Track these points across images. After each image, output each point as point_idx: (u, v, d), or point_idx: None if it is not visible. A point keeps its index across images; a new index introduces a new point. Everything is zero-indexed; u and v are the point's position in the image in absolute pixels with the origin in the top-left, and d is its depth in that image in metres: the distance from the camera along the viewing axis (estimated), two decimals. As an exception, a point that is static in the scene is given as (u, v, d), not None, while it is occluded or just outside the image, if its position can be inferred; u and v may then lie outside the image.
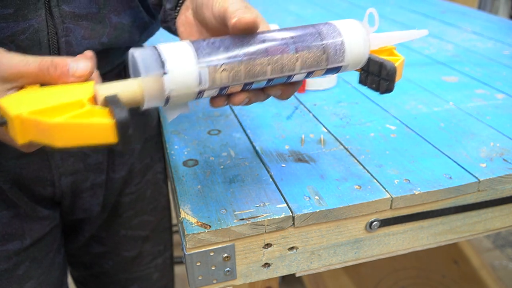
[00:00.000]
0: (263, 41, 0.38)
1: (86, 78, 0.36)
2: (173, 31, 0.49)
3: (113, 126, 0.31)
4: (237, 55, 0.37)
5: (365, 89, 0.59)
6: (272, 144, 0.57)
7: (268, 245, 0.45)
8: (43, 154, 0.55)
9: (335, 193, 0.47)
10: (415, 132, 0.60)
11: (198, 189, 0.48)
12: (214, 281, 0.45)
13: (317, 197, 0.46)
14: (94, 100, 0.34)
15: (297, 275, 0.49)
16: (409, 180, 0.49)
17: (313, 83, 0.74)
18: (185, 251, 0.43)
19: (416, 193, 0.47)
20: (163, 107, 0.37)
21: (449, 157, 0.53)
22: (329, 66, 0.40)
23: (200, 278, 0.45)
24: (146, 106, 0.36)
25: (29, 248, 0.59)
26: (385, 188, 0.48)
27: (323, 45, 0.40)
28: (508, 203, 0.52)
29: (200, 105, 0.69)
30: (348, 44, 0.40)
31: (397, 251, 0.51)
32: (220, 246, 0.43)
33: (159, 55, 0.35)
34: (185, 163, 0.53)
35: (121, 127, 0.31)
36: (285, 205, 0.45)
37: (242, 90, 0.39)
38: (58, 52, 0.49)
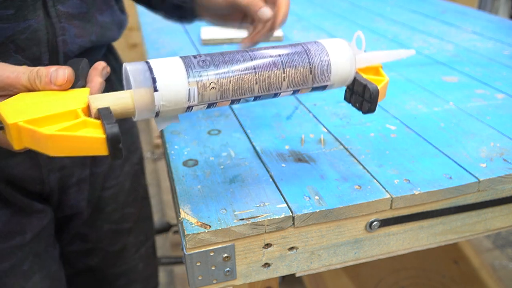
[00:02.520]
0: (252, 58, 0.39)
1: (68, 86, 0.37)
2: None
3: (104, 140, 0.32)
4: (226, 71, 0.38)
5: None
6: (272, 144, 0.57)
7: (268, 245, 0.45)
8: (32, 153, 0.57)
9: (335, 193, 0.47)
10: (415, 132, 0.60)
11: (198, 189, 0.48)
12: (214, 281, 0.45)
13: (317, 197, 0.46)
14: (88, 110, 0.35)
15: (297, 275, 0.49)
16: (409, 180, 0.49)
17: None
18: (185, 251, 0.43)
19: (416, 193, 0.47)
20: (154, 118, 0.38)
21: (449, 157, 0.53)
22: (315, 85, 0.42)
23: (200, 278, 0.45)
24: (137, 118, 0.37)
25: (30, 243, 0.60)
26: (385, 188, 0.48)
27: (310, 65, 0.41)
28: (508, 203, 0.52)
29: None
30: (335, 64, 0.42)
31: (397, 251, 0.51)
32: (220, 246, 0.43)
33: (151, 71, 0.36)
34: (185, 163, 0.53)
35: (112, 141, 0.32)
36: (285, 205, 0.45)
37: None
38: (56, 50, 0.51)
